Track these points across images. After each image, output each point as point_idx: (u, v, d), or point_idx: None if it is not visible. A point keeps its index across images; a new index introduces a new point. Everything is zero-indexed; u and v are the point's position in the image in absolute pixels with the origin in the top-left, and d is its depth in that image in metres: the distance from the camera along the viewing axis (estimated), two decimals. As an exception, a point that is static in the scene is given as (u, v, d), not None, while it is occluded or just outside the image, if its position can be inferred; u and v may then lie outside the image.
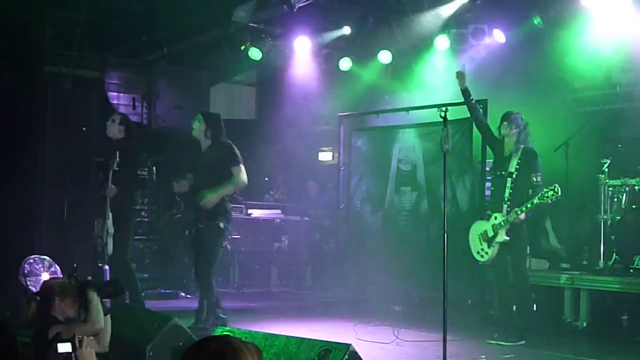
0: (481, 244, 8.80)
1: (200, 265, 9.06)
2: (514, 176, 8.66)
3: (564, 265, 9.92)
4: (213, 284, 8.99)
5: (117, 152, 9.37)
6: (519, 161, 8.66)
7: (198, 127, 9.33)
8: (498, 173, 8.80)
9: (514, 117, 8.77)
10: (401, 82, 12.35)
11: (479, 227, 8.83)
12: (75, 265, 5.97)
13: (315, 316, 10.58)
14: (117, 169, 9.33)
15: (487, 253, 8.74)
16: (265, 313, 10.83)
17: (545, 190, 8.26)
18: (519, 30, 10.71)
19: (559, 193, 8.16)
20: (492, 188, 8.87)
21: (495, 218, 8.68)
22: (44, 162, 11.02)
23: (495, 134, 9.00)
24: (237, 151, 9.17)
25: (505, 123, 8.78)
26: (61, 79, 11.91)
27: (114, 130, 9.69)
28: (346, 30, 12.16)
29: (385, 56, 12.35)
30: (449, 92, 11.10)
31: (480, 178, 10.25)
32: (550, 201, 8.25)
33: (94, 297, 5.36)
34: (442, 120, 6.75)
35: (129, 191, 9.54)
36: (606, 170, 9.49)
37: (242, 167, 9.05)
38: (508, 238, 8.58)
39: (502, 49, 10.99)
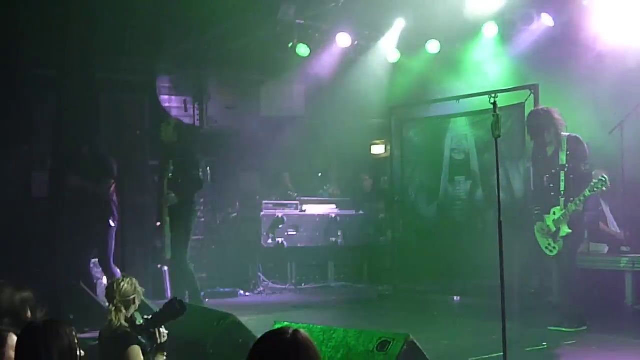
0: (547, 240, 8.77)
1: None
2: (566, 169, 8.61)
3: (624, 249, 9.76)
4: None
5: (171, 161, 9.44)
6: (568, 152, 8.61)
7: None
8: (553, 171, 8.73)
9: (545, 120, 8.73)
10: (450, 71, 12.26)
11: (541, 225, 8.79)
12: None
13: (373, 309, 10.59)
14: (170, 176, 9.40)
15: (555, 248, 8.73)
16: (324, 307, 10.87)
17: (594, 182, 8.39)
18: (567, 12, 10.57)
19: (608, 183, 8.34)
20: (551, 185, 8.79)
21: (554, 213, 8.66)
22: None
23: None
24: None
25: (545, 134, 8.72)
26: (113, 85, 12.07)
27: (168, 134, 9.76)
28: (399, 22, 12.16)
29: (433, 46, 12.28)
30: (499, 78, 11.03)
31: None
32: (601, 191, 8.36)
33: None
34: (492, 107, 6.69)
35: (188, 194, 9.60)
36: (663, 150, 9.33)
37: None
38: (571, 231, 8.56)
39: (551, 32, 10.86)
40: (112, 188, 9.95)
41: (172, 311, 5.71)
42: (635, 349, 7.75)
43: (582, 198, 8.49)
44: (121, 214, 10.08)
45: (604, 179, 8.33)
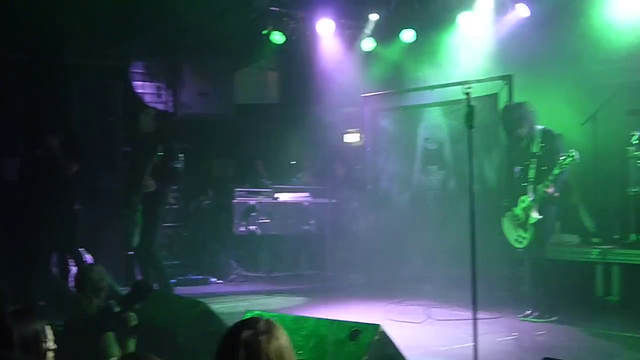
0: (517, 231, 8.77)
1: None
2: (537, 157, 8.62)
3: (595, 240, 9.81)
4: None
5: (160, 146, 9.32)
6: (541, 142, 8.62)
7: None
8: (526, 163, 8.74)
9: (519, 114, 8.73)
10: (425, 60, 12.25)
11: (510, 215, 8.79)
12: None
13: (345, 298, 10.59)
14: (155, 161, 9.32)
15: (524, 238, 8.71)
16: (295, 296, 10.86)
17: (562, 157, 8.28)
18: (543, 3, 10.60)
19: (577, 156, 8.22)
20: (521, 176, 8.81)
21: (523, 201, 8.66)
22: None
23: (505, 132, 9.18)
24: None
25: (519, 129, 8.72)
26: (85, 70, 11.96)
27: (147, 124, 9.63)
28: (373, 16, 12.14)
29: (408, 35, 12.25)
30: (473, 68, 11.02)
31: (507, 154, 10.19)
32: (569, 166, 8.29)
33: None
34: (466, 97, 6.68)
35: (164, 184, 9.52)
36: (635, 142, 9.35)
37: None
38: (541, 216, 8.54)
39: (526, 23, 10.87)
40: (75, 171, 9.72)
41: (140, 292, 5.73)
42: (605, 340, 7.81)
43: (551, 177, 8.42)
44: (92, 200, 9.97)
45: (571, 154, 8.22)
